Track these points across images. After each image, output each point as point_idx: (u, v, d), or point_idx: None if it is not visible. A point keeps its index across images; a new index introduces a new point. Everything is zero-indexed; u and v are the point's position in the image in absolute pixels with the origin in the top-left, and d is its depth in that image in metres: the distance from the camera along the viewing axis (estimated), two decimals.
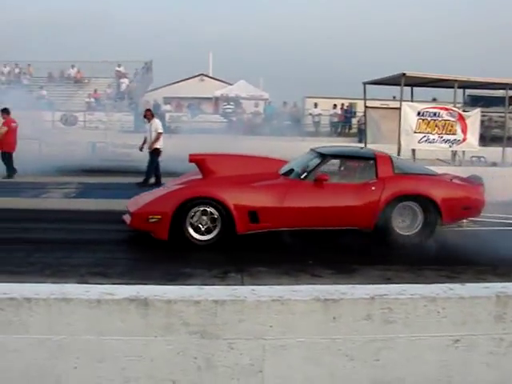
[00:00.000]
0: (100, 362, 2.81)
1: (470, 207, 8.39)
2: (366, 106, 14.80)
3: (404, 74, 12.04)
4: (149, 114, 13.59)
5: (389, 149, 12.57)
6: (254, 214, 7.70)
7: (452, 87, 12.87)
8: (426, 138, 12.23)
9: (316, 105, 29.86)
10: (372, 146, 14.05)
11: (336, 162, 8.91)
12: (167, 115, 29.23)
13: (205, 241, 7.63)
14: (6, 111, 15.48)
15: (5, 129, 15.07)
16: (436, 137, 12.29)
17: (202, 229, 7.61)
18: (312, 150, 9.04)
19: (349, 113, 29.72)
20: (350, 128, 29.63)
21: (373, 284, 3.25)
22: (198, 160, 8.60)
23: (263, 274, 6.44)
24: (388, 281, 6.13)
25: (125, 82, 33.48)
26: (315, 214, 7.87)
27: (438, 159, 13.22)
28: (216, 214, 7.62)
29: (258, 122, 29.23)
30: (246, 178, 8.12)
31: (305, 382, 2.92)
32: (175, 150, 13.36)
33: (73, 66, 35.46)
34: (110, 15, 65.92)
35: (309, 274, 6.48)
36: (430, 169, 9.42)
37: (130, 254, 7.29)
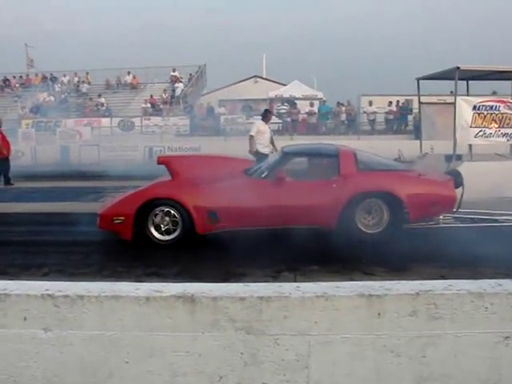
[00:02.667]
0: (149, 357, 2.91)
1: (438, 203, 8.10)
2: (420, 102, 14.57)
3: (458, 68, 11.79)
4: (270, 116, 13.02)
5: (444, 144, 12.43)
6: (213, 214, 7.78)
7: (510, 79, 12.53)
8: (482, 133, 11.95)
9: (371, 103, 29.56)
10: (427, 142, 13.91)
11: (300, 160, 8.85)
12: (222, 118, 29.50)
13: (167, 241, 7.78)
14: None
15: None
16: (493, 131, 11.98)
17: (163, 229, 7.76)
18: (282, 148, 9.02)
19: (404, 110, 29.31)
20: (406, 125, 29.22)
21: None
22: (166, 162, 8.74)
23: (316, 273, 6.45)
24: (442, 279, 6.02)
25: (180, 86, 33.97)
26: (274, 213, 7.80)
27: (496, 154, 12.90)
28: (177, 215, 7.76)
29: (313, 122, 29.16)
30: (210, 179, 8.14)
31: (350, 378, 2.94)
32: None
33: (129, 73, 36.26)
34: (164, 20, 67.04)
35: (361, 272, 6.45)
36: (401, 164, 9.18)
37: (181, 254, 7.40)
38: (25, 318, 2.94)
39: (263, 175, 8.15)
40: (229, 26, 73.80)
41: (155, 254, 7.42)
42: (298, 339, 2.90)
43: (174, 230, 7.79)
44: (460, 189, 8.40)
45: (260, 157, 11.33)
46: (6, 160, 16.52)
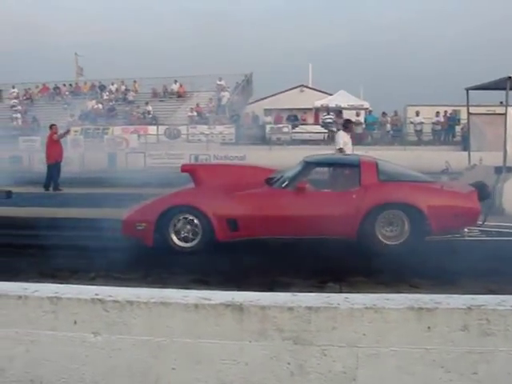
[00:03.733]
0: (197, 364, 2.92)
1: (461, 215, 7.91)
2: (469, 113, 14.32)
3: (510, 78, 11.52)
4: (352, 125, 12.74)
5: (494, 156, 12.17)
6: (233, 222, 7.85)
7: None
8: None
9: (418, 113, 29.25)
10: (476, 154, 13.64)
11: (322, 170, 8.92)
12: (267, 127, 29.59)
13: (187, 248, 7.89)
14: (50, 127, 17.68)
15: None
16: None
17: (184, 236, 7.89)
18: (304, 158, 9.03)
19: (452, 120, 28.89)
20: (454, 136, 28.80)
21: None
22: (190, 170, 8.92)
23: (361, 284, 6.37)
24: (492, 293, 5.89)
25: (226, 95, 34.20)
26: (294, 223, 7.81)
27: None
28: (197, 222, 7.84)
29: (359, 132, 29.00)
30: (232, 187, 8.20)
31: None
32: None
33: (175, 82, 36.68)
34: (212, 28, 67.68)
35: (408, 284, 6.35)
36: (425, 175, 9.05)
37: (225, 262, 7.40)
38: (75, 322, 2.99)
39: (284, 185, 8.15)
40: (275, 35, 74.10)
41: (199, 262, 7.43)
42: (346, 351, 2.87)
43: (195, 238, 7.90)
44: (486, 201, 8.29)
45: None
46: (58, 166, 16.93)
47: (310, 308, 2.85)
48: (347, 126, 12.44)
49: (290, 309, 2.85)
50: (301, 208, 7.85)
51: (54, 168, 16.81)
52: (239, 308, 2.86)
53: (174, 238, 7.89)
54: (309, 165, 8.63)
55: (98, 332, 2.97)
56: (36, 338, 3.04)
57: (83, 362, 3.00)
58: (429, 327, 2.85)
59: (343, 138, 11.86)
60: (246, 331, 2.87)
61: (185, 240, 7.90)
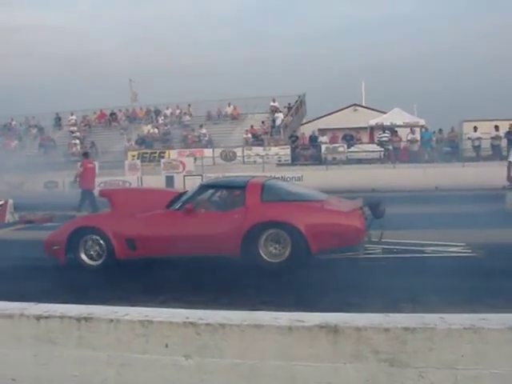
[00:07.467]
0: None
1: (341, 234, 7.98)
2: None
3: None
4: None
5: None
6: (131, 242, 8.46)
7: None
8: None
9: (475, 128, 28.60)
10: None
11: (215, 192, 9.41)
12: (323, 146, 29.52)
13: (95, 266, 8.53)
14: (85, 155, 18.37)
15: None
16: None
17: (94, 255, 8.57)
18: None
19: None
20: None
21: None
22: (105, 194, 9.82)
23: (435, 304, 6.22)
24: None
25: (280, 116, 34.28)
26: (182, 242, 8.21)
27: None
28: (102, 242, 8.52)
29: (415, 150, 28.61)
30: (138, 210, 8.76)
31: None
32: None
33: (229, 104, 37.04)
34: (262, 51, 68.33)
35: (485, 304, 6.16)
36: (319, 194, 9.35)
37: (294, 283, 7.38)
38: (166, 345, 2.99)
39: (177, 207, 8.69)
40: (326, 55, 74.29)
41: (267, 282, 7.43)
42: (444, 373, 2.77)
43: (101, 257, 8.55)
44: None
45: None
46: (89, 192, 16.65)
47: (406, 329, 2.78)
48: None
49: (386, 330, 2.78)
50: (188, 228, 8.32)
51: (86, 194, 16.55)
52: (334, 330, 2.81)
53: (83, 257, 8.57)
54: (202, 187, 9.34)
55: (189, 355, 2.96)
56: (127, 361, 3.06)
57: None
58: None
59: None
60: (341, 353, 2.81)
61: (94, 259, 8.57)
